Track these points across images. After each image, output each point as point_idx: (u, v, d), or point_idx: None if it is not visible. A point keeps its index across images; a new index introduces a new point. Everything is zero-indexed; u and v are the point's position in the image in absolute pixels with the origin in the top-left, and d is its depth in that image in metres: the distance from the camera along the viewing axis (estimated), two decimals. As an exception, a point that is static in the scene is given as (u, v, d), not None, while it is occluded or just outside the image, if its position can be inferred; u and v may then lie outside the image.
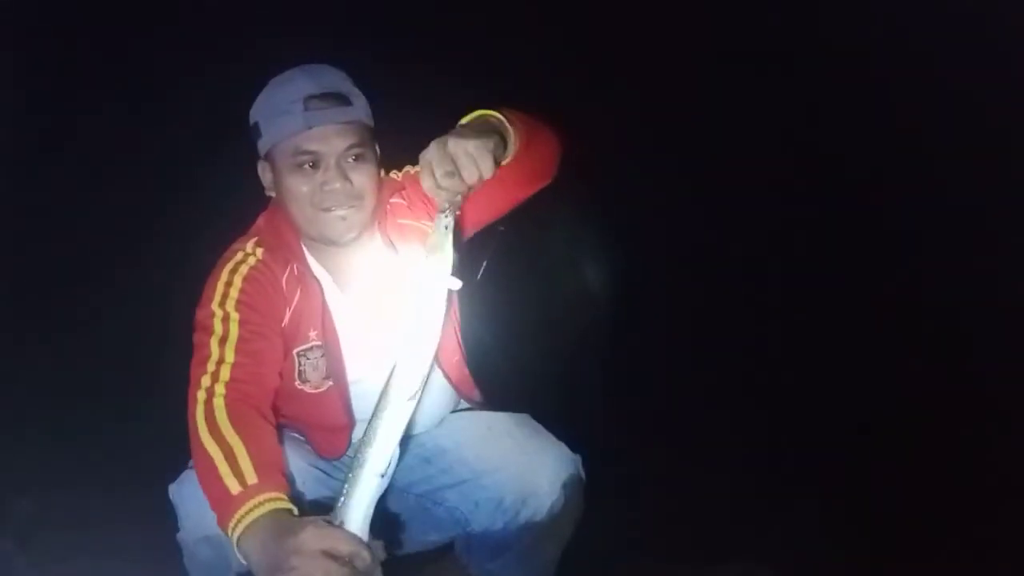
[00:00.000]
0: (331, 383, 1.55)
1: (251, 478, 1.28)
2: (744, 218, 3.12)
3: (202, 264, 1.57)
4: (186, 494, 1.43)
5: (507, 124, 1.37)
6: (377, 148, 1.56)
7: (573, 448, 1.55)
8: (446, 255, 1.27)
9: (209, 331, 1.44)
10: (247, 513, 1.24)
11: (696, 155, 3.14)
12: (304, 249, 1.55)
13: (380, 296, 1.54)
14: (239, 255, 1.53)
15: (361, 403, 1.53)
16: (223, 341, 1.43)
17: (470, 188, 1.26)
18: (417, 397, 1.30)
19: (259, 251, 1.53)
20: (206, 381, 1.39)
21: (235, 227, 1.62)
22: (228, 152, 1.79)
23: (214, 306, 1.47)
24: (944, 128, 2.75)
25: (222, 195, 2.18)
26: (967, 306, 2.69)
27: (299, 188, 1.46)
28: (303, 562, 1.17)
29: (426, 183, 1.26)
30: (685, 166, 3.13)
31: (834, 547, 2.03)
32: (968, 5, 2.58)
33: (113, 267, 2.88)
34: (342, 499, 1.27)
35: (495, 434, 1.58)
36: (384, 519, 1.58)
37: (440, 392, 1.63)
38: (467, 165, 1.23)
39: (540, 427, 1.60)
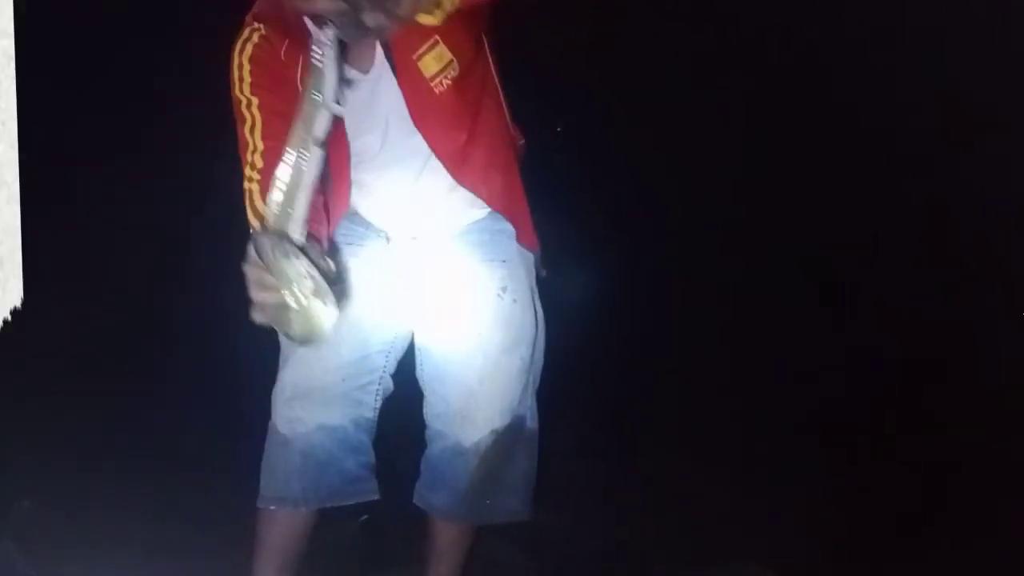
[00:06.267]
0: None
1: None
2: (737, 216, 3.12)
3: (196, 266, 1.56)
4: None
5: None
6: None
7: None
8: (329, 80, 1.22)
9: (242, 119, 1.50)
10: None
11: (688, 154, 3.14)
12: (305, 20, 1.50)
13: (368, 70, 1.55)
14: (245, 32, 1.53)
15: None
16: (252, 128, 1.49)
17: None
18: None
19: (262, 26, 1.52)
20: (248, 171, 1.48)
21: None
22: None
23: (237, 92, 1.51)
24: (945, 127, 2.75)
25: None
26: (967, 304, 2.70)
27: None
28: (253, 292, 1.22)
29: None
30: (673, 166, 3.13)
31: (834, 547, 2.03)
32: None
33: (110, 264, 2.86)
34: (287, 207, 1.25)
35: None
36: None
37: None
38: None
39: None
